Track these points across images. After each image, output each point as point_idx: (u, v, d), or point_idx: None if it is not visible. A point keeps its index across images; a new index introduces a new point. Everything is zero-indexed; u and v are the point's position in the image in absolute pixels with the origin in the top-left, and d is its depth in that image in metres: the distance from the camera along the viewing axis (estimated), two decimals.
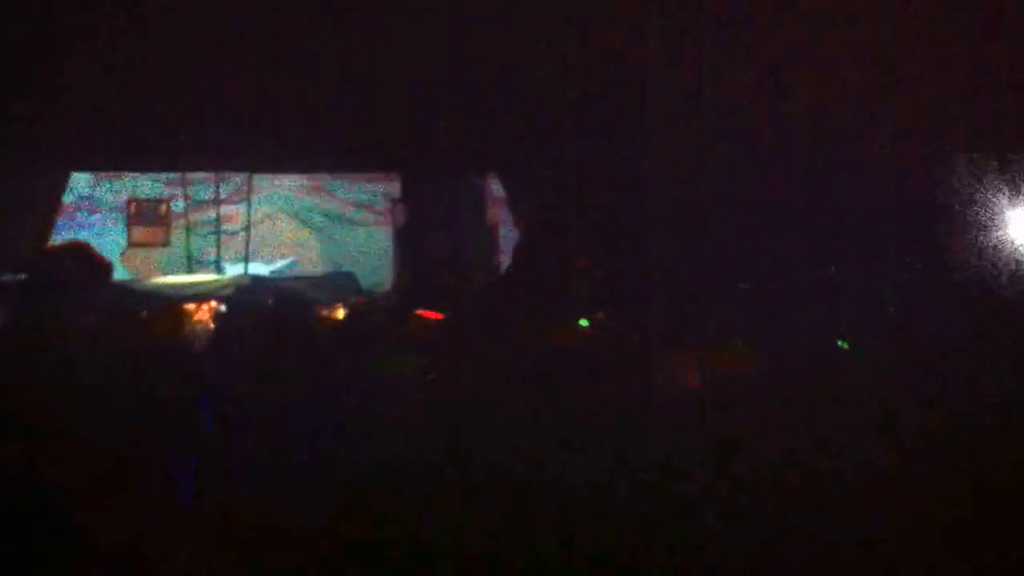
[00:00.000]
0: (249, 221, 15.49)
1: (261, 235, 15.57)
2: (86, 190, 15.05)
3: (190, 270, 15.24)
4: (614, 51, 12.75)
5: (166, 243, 15.43)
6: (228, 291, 12.76)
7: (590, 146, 13.01)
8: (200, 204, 15.24)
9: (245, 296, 11.86)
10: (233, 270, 15.20)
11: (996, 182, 11.86)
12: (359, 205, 15.81)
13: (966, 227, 11.67)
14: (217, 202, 15.23)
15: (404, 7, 13.16)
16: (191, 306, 12.44)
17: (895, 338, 10.08)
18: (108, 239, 15.02)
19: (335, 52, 13.34)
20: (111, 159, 13.98)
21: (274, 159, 14.12)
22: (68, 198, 14.67)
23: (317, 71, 13.30)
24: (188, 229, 15.24)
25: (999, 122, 12.21)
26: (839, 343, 10.08)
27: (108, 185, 15.19)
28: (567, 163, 13.20)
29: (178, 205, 15.30)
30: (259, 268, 15.23)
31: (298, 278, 14.38)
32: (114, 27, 12.89)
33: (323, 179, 15.72)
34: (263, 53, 13.19)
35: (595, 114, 12.83)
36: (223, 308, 11.40)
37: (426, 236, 14.30)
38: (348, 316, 9.46)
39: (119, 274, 14.57)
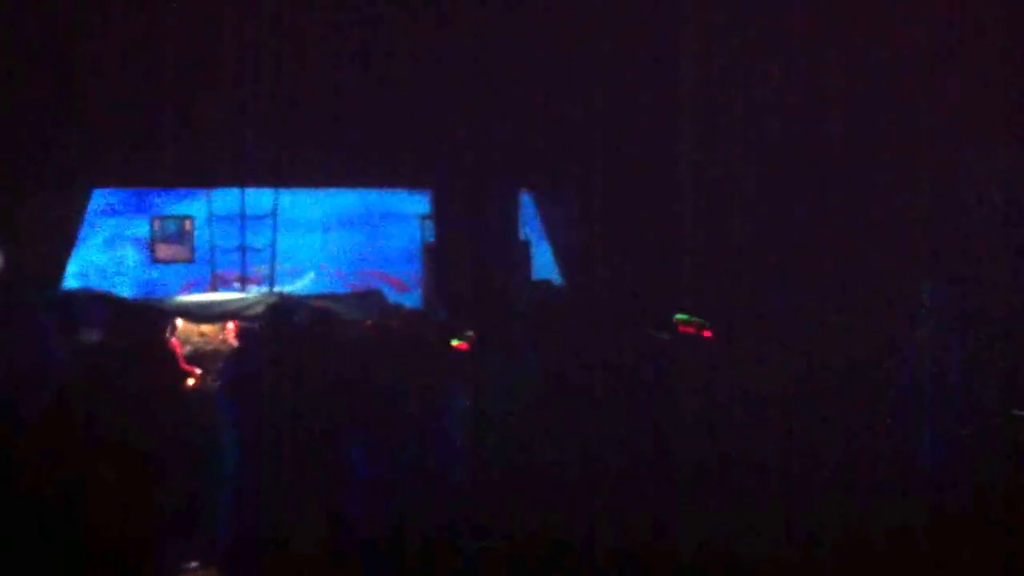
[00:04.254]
0: (275, 237, 15.33)
1: None
2: None
3: (214, 288, 15.10)
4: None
5: (190, 260, 15.31)
6: (255, 309, 12.54)
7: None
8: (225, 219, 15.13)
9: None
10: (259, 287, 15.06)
11: None
12: None
13: None
14: (243, 217, 15.11)
15: (435, 15, 12.92)
16: (217, 325, 12.18)
17: None
18: None
19: (364, 63, 13.08)
20: (134, 174, 13.73)
21: (301, 173, 13.86)
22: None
23: (346, 82, 13.03)
24: (213, 245, 15.14)
25: None
26: None
27: None
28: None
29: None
30: None
31: (325, 296, 14.09)
32: (137, 40, 12.65)
33: None
34: (289, 65, 12.93)
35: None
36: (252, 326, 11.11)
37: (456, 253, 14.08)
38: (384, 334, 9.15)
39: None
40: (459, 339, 9.61)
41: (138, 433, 7.33)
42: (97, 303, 11.58)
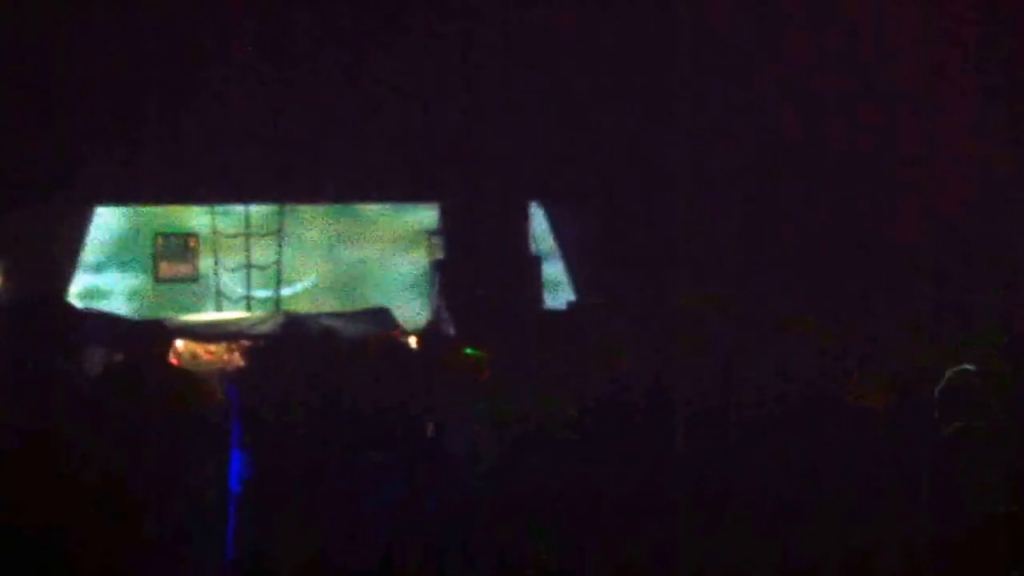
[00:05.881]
0: (280, 254, 15.20)
1: None
2: None
3: (219, 307, 14.98)
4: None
5: (195, 278, 15.15)
6: (261, 328, 12.41)
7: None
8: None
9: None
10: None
11: None
12: None
13: None
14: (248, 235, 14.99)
15: (441, 29, 12.78)
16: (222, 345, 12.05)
17: None
18: None
19: (369, 78, 12.93)
20: (137, 192, 13.59)
21: (305, 189, 13.71)
22: None
23: (351, 97, 12.88)
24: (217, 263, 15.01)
25: None
26: None
27: None
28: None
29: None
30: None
31: (332, 314, 13.94)
32: (138, 58, 12.54)
33: None
34: (294, 82, 12.79)
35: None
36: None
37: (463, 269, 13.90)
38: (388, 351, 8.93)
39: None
40: (467, 357, 9.43)
41: (137, 455, 7.15)
42: (99, 322, 11.43)
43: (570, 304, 13.42)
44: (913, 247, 11.95)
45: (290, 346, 8.65)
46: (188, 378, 8.52)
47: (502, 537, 7.66)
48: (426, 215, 15.20)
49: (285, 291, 15.24)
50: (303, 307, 14.56)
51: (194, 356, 11.91)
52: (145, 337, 8.73)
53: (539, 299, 13.69)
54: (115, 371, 7.57)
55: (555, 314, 13.17)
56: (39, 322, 10.51)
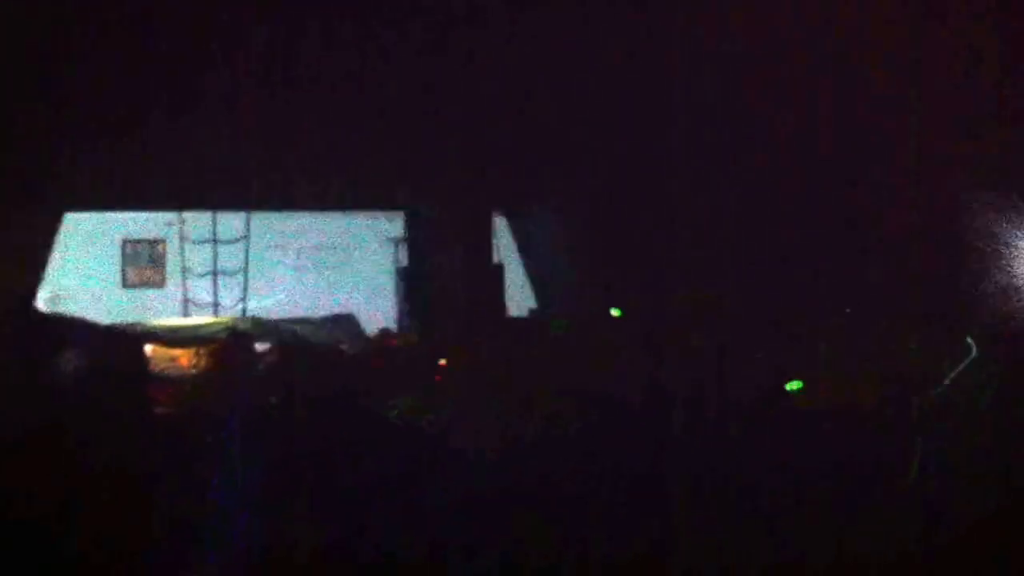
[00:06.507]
0: (247, 261, 15.27)
1: None
2: None
3: (186, 312, 15.03)
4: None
5: (162, 284, 15.21)
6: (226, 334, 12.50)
7: None
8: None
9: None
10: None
11: None
12: None
13: None
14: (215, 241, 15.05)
15: (407, 40, 12.90)
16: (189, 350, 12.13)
17: None
18: None
19: (336, 87, 13.07)
20: (106, 198, 13.65)
21: (275, 196, 13.82)
22: None
23: (319, 105, 13.00)
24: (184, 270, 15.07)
25: None
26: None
27: None
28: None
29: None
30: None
31: (297, 320, 14.07)
32: (109, 63, 12.61)
33: None
34: (262, 90, 12.90)
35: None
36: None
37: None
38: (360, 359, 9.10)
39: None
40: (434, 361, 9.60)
41: (119, 454, 7.26)
42: (70, 328, 11.49)
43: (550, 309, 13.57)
44: (902, 247, 12.02)
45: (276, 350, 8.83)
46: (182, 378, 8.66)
47: (503, 533, 7.74)
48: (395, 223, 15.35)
49: (252, 297, 15.33)
50: (270, 313, 14.66)
51: (165, 360, 12.00)
52: (120, 341, 8.87)
53: (503, 304, 13.85)
54: (106, 373, 7.66)
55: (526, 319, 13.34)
56: (10, 327, 10.63)
